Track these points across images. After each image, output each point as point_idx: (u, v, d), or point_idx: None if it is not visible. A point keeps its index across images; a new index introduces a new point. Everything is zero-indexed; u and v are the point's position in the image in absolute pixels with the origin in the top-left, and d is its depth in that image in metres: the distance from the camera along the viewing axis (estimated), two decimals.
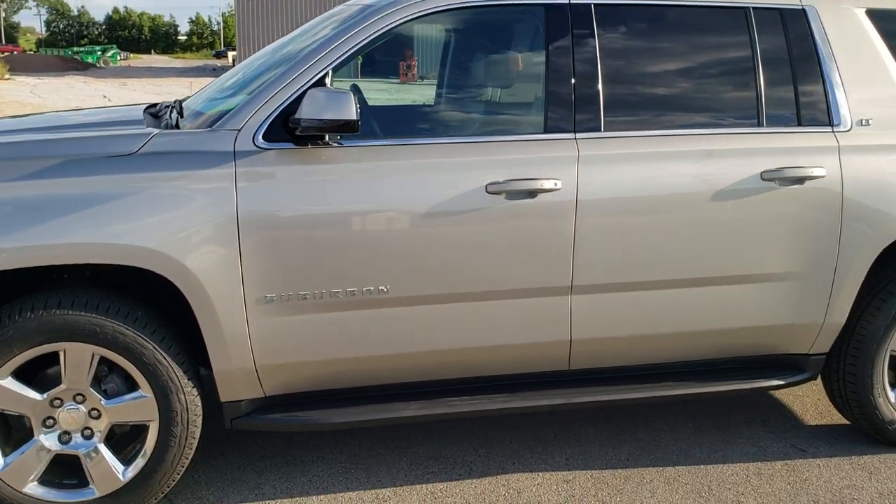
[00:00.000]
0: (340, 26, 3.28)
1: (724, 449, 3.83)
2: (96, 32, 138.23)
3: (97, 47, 77.18)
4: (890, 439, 3.81)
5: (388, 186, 3.14)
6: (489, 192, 3.15)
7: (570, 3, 3.35)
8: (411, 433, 3.91)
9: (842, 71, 3.57)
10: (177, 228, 2.91)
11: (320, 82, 3.10)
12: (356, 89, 3.89)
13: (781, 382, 3.67)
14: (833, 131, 3.52)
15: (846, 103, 3.55)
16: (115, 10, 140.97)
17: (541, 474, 3.57)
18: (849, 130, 3.53)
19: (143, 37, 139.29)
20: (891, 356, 3.73)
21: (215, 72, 44.08)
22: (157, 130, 3.12)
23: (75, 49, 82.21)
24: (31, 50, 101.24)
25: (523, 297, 3.28)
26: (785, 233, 3.45)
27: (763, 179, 3.38)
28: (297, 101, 3.02)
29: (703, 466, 3.67)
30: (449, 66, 4.24)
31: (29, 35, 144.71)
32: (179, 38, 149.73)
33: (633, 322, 3.43)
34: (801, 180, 3.42)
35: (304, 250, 3.05)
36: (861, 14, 3.66)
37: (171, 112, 3.51)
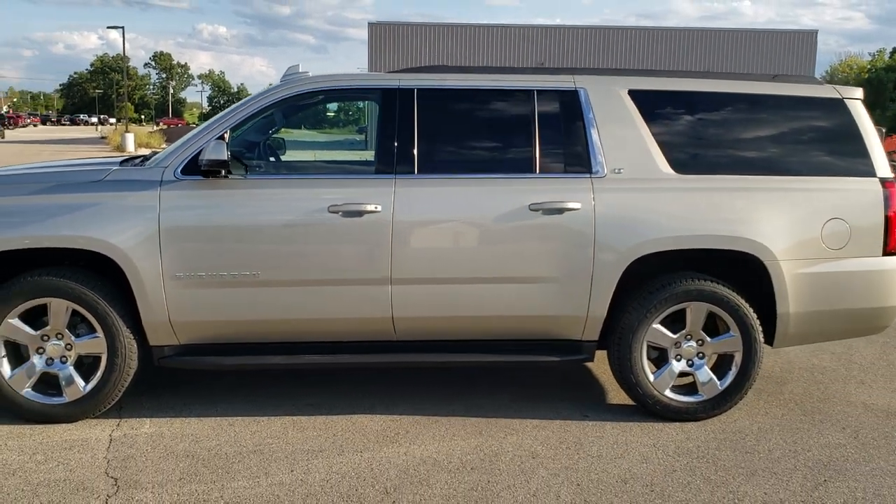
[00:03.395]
0: (242, 102, 4.98)
1: (526, 411, 5.14)
2: None
3: None
4: (651, 411, 5.03)
5: (262, 205, 4.75)
6: (330, 211, 4.71)
7: (398, 88, 4.92)
8: (307, 389, 5.43)
9: (602, 134, 4.94)
10: (122, 228, 4.62)
11: (221, 137, 4.78)
12: (280, 142, 5.64)
13: (558, 359, 4.99)
14: (591, 177, 4.88)
15: (603, 158, 4.90)
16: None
17: (378, 416, 5.01)
18: (604, 177, 4.88)
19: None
20: (648, 346, 4.98)
21: (352, 146, 47.00)
22: (118, 167, 4.87)
23: None
24: (194, 123, 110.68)
25: (356, 284, 4.79)
26: (550, 248, 4.82)
27: (530, 210, 4.78)
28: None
29: (498, 419, 5.01)
30: (315, 130, 5.93)
31: (194, 109, 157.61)
32: (328, 114, 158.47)
33: (439, 306, 4.85)
34: (560, 211, 4.80)
35: (202, 245, 4.68)
36: (624, 93, 5.03)
37: (144, 158, 5.28)
